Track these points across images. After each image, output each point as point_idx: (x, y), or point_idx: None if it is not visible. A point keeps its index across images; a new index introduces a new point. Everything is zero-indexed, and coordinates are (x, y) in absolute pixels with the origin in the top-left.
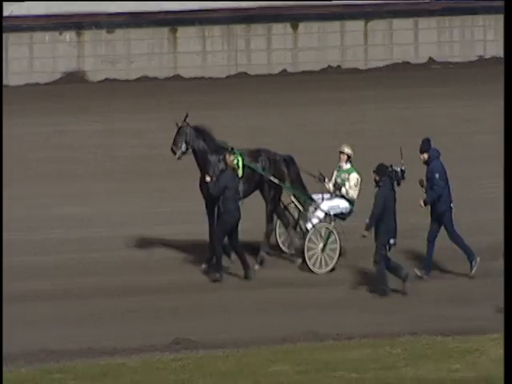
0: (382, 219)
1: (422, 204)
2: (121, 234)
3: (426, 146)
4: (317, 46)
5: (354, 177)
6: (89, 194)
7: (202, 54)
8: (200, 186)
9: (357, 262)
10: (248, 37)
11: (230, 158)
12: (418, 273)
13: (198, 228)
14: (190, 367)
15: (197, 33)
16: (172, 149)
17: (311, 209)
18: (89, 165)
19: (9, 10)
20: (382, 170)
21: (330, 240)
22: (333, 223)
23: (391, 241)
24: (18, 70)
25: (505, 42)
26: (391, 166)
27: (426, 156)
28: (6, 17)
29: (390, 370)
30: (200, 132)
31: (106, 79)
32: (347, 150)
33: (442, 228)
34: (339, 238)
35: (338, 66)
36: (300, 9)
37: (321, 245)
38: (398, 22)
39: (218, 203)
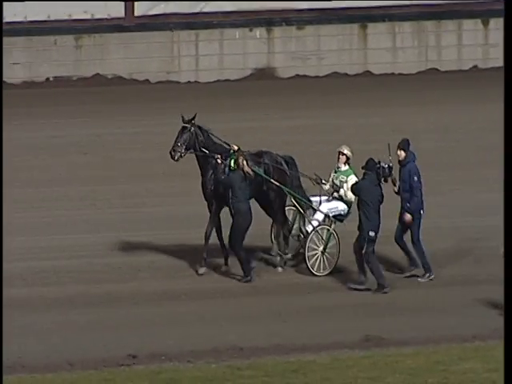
0: (364, 212)
1: (406, 218)
2: None
3: (405, 144)
4: None
5: (353, 179)
6: None
7: (392, 50)
8: (202, 187)
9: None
10: (438, 33)
11: (241, 160)
12: (421, 279)
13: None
14: (380, 364)
15: (387, 29)
16: (173, 149)
17: (310, 211)
18: None
19: (199, 6)
20: (370, 166)
21: (330, 242)
22: (333, 225)
23: (371, 233)
24: (208, 67)
25: (505, 42)
26: (379, 162)
27: (402, 154)
28: (197, 13)
29: None
30: (204, 132)
31: (295, 75)
32: (347, 152)
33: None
34: (339, 240)
35: None
36: (490, 5)
37: (321, 247)
38: None
39: (228, 205)
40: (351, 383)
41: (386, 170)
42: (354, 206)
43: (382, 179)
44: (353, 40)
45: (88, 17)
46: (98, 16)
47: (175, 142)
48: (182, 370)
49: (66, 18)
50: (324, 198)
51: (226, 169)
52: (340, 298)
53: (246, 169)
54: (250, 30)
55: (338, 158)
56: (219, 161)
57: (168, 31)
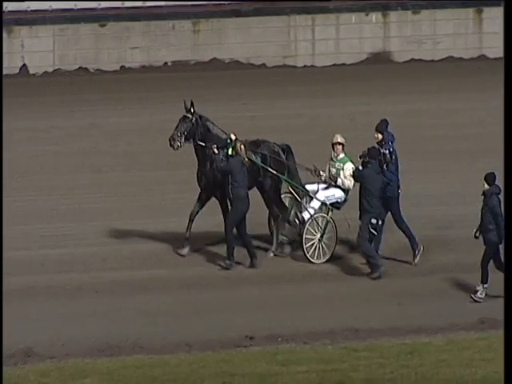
0: (367, 200)
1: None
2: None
3: (382, 126)
4: None
5: (349, 166)
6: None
7: None
8: (197, 176)
9: None
10: None
11: (239, 147)
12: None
13: None
14: (495, 346)
15: (502, 13)
16: (172, 138)
17: (307, 199)
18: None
19: None
20: (373, 154)
21: (327, 230)
22: (330, 213)
23: (373, 220)
24: (324, 51)
25: (505, 40)
26: (379, 149)
27: (379, 136)
28: None
29: None
30: (204, 121)
31: (411, 60)
32: (341, 140)
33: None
34: (336, 228)
35: None
36: None
37: (318, 235)
38: None
39: (228, 190)
40: (467, 365)
41: (388, 156)
42: (351, 194)
43: (385, 165)
44: (468, 24)
45: (206, 2)
46: (215, 1)
47: (175, 130)
48: (298, 352)
49: (184, 3)
50: (321, 185)
51: (224, 157)
52: (456, 280)
53: (244, 155)
54: (366, 15)
55: (334, 149)
56: (216, 150)
57: (285, 16)
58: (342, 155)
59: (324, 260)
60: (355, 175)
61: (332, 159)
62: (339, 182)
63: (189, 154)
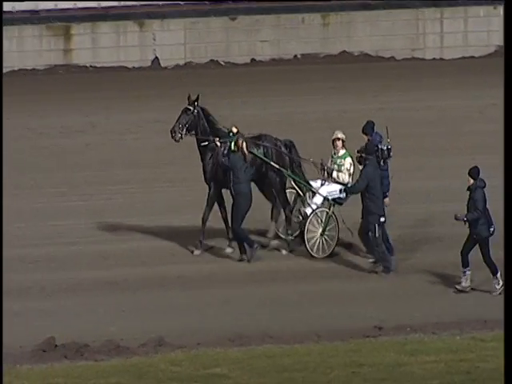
0: (371, 199)
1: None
2: None
3: (368, 128)
4: None
5: (348, 161)
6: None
7: None
8: (203, 170)
9: None
10: None
11: (240, 142)
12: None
13: None
14: None
15: None
16: (173, 129)
17: (310, 194)
18: None
19: None
20: (370, 149)
21: (329, 225)
22: (332, 208)
23: (382, 219)
24: (453, 44)
25: (505, 39)
26: (377, 145)
27: (365, 138)
28: None
29: None
30: (206, 114)
31: None
32: (341, 136)
33: None
34: (338, 223)
35: None
36: None
37: (320, 229)
38: None
39: (229, 187)
40: None
41: (385, 152)
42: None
43: (382, 161)
44: None
45: None
46: None
47: (176, 122)
48: (427, 342)
49: None
50: (326, 182)
51: (226, 151)
52: None
53: (245, 150)
54: (494, 8)
55: (334, 146)
56: (218, 143)
57: (413, 9)
58: (342, 151)
59: (325, 255)
60: (362, 179)
61: (332, 156)
62: (334, 175)
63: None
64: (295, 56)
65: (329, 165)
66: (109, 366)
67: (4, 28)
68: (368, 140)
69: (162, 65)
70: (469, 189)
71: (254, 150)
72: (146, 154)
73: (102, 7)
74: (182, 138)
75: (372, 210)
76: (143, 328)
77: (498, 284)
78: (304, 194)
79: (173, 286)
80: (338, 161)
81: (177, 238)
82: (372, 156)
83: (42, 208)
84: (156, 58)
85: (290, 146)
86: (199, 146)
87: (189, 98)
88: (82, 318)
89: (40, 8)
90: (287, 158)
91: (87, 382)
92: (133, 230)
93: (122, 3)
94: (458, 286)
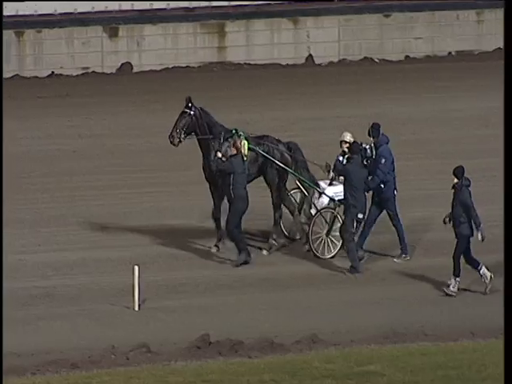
0: (352, 194)
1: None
2: None
3: (374, 131)
4: None
5: None
6: None
7: None
8: (203, 168)
9: None
10: None
11: (240, 143)
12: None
13: None
14: None
15: None
16: (171, 135)
17: (316, 194)
18: None
19: None
20: (355, 149)
21: (334, 225)
22: (337, 209)
23: (359, 215)
24: None
25: (505, 40)
26: (361, 143)
27: (373, 141)
28: None
29: None
30: (206, 114)
31: None
32: (349, 139)
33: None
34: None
35: None
36: None
37: (325, 230)
38: None
39: (230, 190)
40: None
41: (368, 151)
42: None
43: (365, 160)
44: None
45: None
46: None
47: (174, 126)
48: None
49: None
50: (334, 182)
51: (228, 150)
52: None
53: (244, 151)
54: None
55: (342, 147)
56: (219, 154)
57: None
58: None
59: (330, 256)
60: (337, 169)
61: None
62: (342, 179)
63: None
64: (449, 53)
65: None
66: (263, 362)
67: (159, 25)
68: (375, 141)
69: (316, 62)
70: (453, 187)
71: (257, 148)
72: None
73: (255, 5)
74: (180, 141)
75: (352, 205)
76: (296, 325)
77: (453, 287)
78: (309, 194)
79: (322, 284)
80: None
81: None
82: (357, 155)
83: None
84: (310, 55)
85: (293, 148)
86: (201, 146)
87: (186, 101)
88: (235, 314)
89: (194, 6)
90: (289, 157)
91: (241, 379)
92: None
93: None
94: (446, 290)
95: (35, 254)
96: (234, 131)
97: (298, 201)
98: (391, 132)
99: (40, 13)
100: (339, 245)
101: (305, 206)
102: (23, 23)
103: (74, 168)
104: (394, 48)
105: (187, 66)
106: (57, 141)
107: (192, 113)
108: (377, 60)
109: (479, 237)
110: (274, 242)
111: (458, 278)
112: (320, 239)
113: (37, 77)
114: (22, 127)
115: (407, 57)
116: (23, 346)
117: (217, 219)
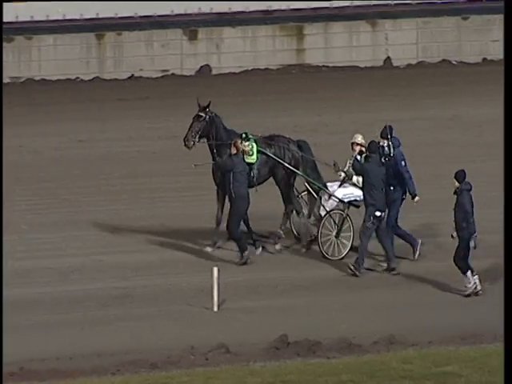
0: (370, 193)
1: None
2: None
3: (384, 133)
4: None
5: None
6: None
7: None
8: (213, 174)
9: None
10: None
11: (242, 144)
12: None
13: None
14: None
15: None
16: (186, 138)
17: (326, 196)
18: None
19: None
20: (373, 148)
21: (344, 227)
22: (347, 210)
23: (377, 213)
24: None
25: (505, 41)
26: (378, 142)
27: (385, 142)
28: None
29: None
30: (218, 119)
31: None
32: (361, 141)
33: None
34: (353, 225)
35: None
36: None
37: (335, 231)
38: None
39: (230, 188)
40: None
41: (386, 149)
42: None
43: (383, 158)
44: None
45: None
46: None
47: (189, 129)
48: None
49: None
50: (343, 184)
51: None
52: None
53: (246, 153)
54: None
55: (353, 149)
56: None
57: None
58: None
59: (340, 257)
60: (356, 168)
61: (351, 158)
62: (354, 179)
63: None
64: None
65: (346, 168)
66: (341, 363)
67: (238, 28)
68: (387, 144)
69: (394, 64)
70: (455, 192)
71: (266, 150)
72: None
73: (334, 7)
74: (194, 144)
75: (370, 203)
76: (373, 326)
77: (468, 283)
78: (319, 196)
79: (394, 285)
80: None
81: None
82: (375, 154)
83: None
84: (388, 57)
85: (304, 147)
86: (212, 152)
87: (199, 104)
88: (313, 315)
89: (273, 8)
90: (300, 158)
91: (319, 380)
92: None
93: (355, 3)
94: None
95: (115, 255)
96: (243, 135)
97: (306, 202)
98: (467, 134)
99: (120, 15)
100: (349, 246)
101: (315, 208)
102: (103, 26)
103: (153, 170)
104: (472, 50)
105: (266, 69)
106: (136, 143)
107: (207, 117)
108: (454, 62)
109: (472, 244)
110: (281, 231)
111: (469, 273)
112: (329, 241)
113: (117, 79)
114: (102, 129)
115: (485, 59)
116: (103, 346)
117: (219, 223)
